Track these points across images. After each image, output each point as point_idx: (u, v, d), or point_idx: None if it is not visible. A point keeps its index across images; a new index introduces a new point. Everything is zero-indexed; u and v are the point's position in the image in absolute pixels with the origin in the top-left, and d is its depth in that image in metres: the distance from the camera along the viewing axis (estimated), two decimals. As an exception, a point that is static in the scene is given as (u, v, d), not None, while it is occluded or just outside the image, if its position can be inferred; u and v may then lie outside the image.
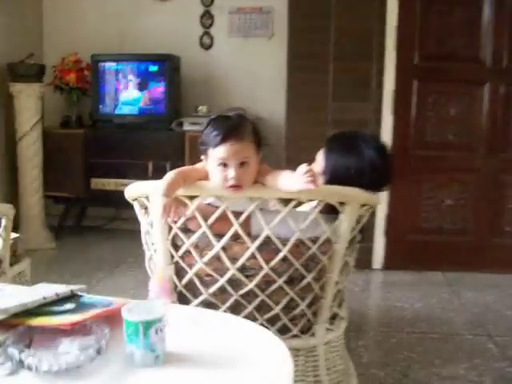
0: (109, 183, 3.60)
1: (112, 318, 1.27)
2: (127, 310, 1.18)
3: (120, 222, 3.89)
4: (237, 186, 1.44)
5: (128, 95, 3.63)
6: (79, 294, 1.44)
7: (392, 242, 3.36)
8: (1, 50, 3.53)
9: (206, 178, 1.50)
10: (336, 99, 3.24)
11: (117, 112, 3.66)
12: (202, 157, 1.51)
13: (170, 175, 1.45)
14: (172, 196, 1.41)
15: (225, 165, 1.44)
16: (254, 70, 3.81)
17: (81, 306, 1.36)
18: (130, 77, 3.61)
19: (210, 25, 3.85)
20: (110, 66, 3.62)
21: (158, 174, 3.70)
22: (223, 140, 1.42)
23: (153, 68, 3.58)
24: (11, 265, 2.21)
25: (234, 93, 3.80)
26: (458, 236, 3.33)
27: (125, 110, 3.65)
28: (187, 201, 1.48)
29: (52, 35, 3.98)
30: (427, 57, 3.21)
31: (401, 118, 3.24)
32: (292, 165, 3.25)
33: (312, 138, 3.33)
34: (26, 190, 3.59)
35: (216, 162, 1.45)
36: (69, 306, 1.33)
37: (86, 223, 4.14)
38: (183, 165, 3.52)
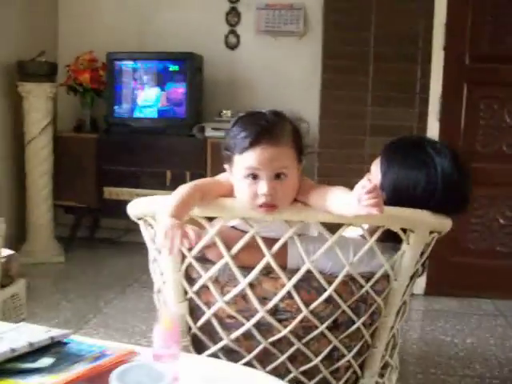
0: (123, 192, 3.31)
1: (104, 375, 0.96)
2: (117, 378, 0.86)
3: (134, 235, 3.57)
4: (270, 206, 1.10)
5: (145, 97, 3.34)
6: (63, 340, 1.13)
7: (436, 264, 2.95)
8: (12, 47, 3.27)
9: (230, 193, 1.17)
10: (375, 104, 2.90)
11: (133, 115, 3.37)
12: (226, 165, 1.17)
13: (183, 189, 1.12)
14: (183, 217, 1.07)
15: (255, 176, 1.11)
16: (283, 71, 3.49)
17: (62, 359, 1.04)
18: (149, 77, 3.32)
19: (237, 22, 3.55)
20: (126, 65, 3.33)
21: (177, 183, 3.37)
22: (253, 143, 1.08)
23: (173, 67, 3.28)
24: (3, 286, 1.92)
25: (261, 96, 3.48)
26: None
27: (142, 113, 3.35)
28: (205, 223, 1.16)
29: (67, 32, 3.72)
30: (480, 57, 2.85)
31: (448, 126, 2.88)
32: (324, 177, 2.93)
33: (347, 146, 3.01)
34: (35, 197, 3.32)
35: (243, 173, 1.11)
36: (45, 361, 1.01)
37: (98, 235, 3.85)
38: (204, 174, 3.22)
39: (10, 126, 3.34)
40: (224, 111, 3.30)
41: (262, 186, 1.09)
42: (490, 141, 2.89)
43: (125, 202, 3.54)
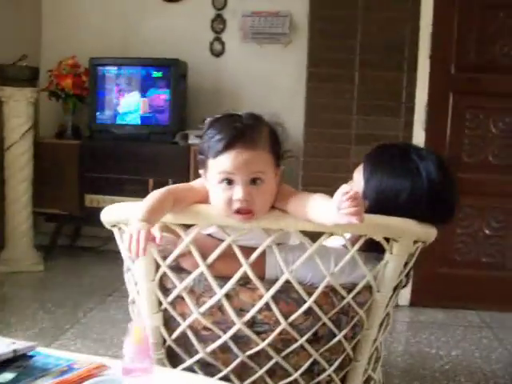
0: (104, 200, 3.24)
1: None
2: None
3: (116, 244, 3.51)
4: (246, 212, 1.06)
5: (128, 103, 3.29)
6: (29, 353, 1.07)
7: (421, 275, 2.91)
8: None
9: (205, 199, 1.12)
10: (361, 113, 2.87)
11: (116, 122, 3.31)
12: (201, 171, 1.13)
13: (155, 194, 1.07)
14: (153, 222, 1.02)
15: (230, 181, 1.06)
16: (268, 79, 3.46)
17: (26, 374, 0.99)
18: (132, 83, 3.27)
19: (222, 30, 3.52)
20: (109, 70, 3.28)
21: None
22: (228, 146, 1.04)
23: (157, 74, 3.23)
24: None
25: (246, 104, 3.44)
26: (497, 271, 2.92)
27: (125, 120, 3.30)
28: (179, 230, 1.11)
29: (51, 37, 3.66)
30: (466, 67, 2.84)
31: (434, 136, 2.86)
32: (309, 186, 2.89)
33: (333, 155, 2.98)
34: (14, 205, 3.23)
35: (218, 178, 1.07)
36: (6, 376, 0.96)
37: (80, 243, 3.77)
38: (187, 182, 3.16)
39: (-12, 132, 3.26)
40: (208, 119, 3.24)
41: (238, 192, 1.05)
42: (475, 151, 2.88)
43: (106, 210, 3.43)
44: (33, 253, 3.32)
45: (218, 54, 3.53)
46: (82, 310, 2.70)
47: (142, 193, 3.46)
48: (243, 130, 1.05)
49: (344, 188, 0.93)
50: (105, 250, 3.63)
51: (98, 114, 3.31)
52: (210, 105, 3.46)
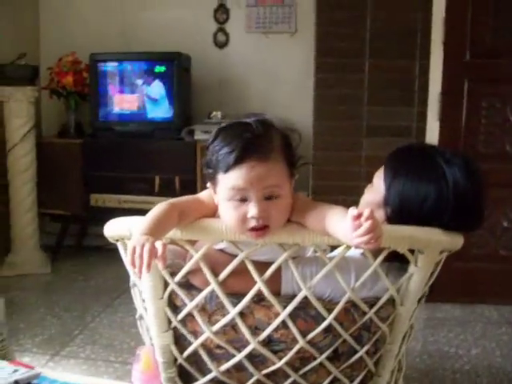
0: (110, 199, 3.16)
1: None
2: None
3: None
4: (262, 228, 0.97)
5: (131, 99, 3.20)
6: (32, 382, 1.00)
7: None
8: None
9: (213, 213, 1.04)
10: (372, 103, 2.77)
11: (118, 119, 3.22)
12: (208, 184, 1.04)
13: (158, 208, 0.99)
14: (157, 236, 0.94)
15: (242, 198, 0.97)
16: (275, 70, 3.36)
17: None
18: (134, 78, 3.18)
19: (226, 20, 3.41)
20: (110, 66, 3.19)
21: (166, 189, 3.20)
22: (239, 160, 0.94)
23: (159, 68, 3.13)
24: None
25: (252, 97, 3.35)
26: (516, 264, 2.83)
27: (127, 116, 3.21)
28: (188, 246, 1.03)
29: (50, 34, 3.57)
30: (481, 53, 2.71)
31: (449, 126, 2.75)
32: (318, 180, 2.80)
33: (343, 148, 2.88)
34: (19, 207, 3.17)
35: (229, 194, 0.97)
36: (5, 411, 0.89)
37: (87, 243, 3.71)
38: (194, 179, 3.08)
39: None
40: (214, 113, 3.17)
41: (252, 209, 0.96)
42: (492, 140, 2.76)
43: (112, 209, 3.39)
44: (39, 255, 3.27)
45: (221, 46, 3.43)
46: (90, 313, 2.64)
47: (148, 191, 3.39)
48: (255, 141, 0.95)
49: (352, 212, 0.84)
50: (112, 248, 3.55)
51: (100, 111, 3.22)
52: (215, 98, 3.38)
